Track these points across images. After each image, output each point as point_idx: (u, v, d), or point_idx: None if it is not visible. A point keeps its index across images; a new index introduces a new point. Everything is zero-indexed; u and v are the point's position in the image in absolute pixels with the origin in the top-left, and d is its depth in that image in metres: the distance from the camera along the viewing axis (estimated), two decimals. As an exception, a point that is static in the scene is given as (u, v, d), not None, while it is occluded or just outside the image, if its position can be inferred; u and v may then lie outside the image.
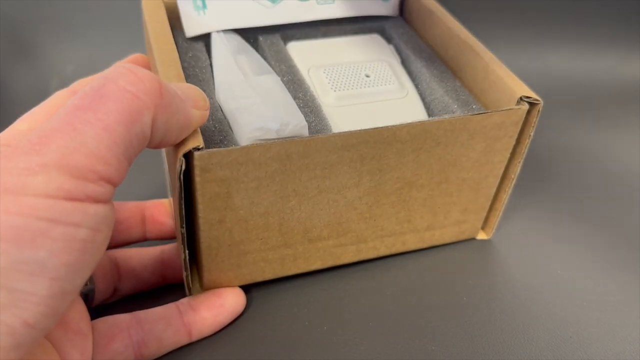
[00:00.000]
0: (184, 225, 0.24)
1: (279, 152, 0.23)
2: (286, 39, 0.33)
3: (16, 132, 0.22)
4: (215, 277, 0.27)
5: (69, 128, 0.18)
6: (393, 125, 0.24)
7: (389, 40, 0.34)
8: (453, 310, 0.27)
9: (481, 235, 0.32)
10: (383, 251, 0.30)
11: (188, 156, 0.22)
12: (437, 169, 0.27)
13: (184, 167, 0.21)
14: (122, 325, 0.25)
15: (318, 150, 0.23)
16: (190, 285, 0.27)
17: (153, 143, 0.21)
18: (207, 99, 0.23)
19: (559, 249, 0.31)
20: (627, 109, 0.47)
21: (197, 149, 0.21)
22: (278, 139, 0.23)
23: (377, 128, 0.24)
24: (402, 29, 0.34)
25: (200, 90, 0.23)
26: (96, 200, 0.19)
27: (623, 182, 0.38)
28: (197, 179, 0.22)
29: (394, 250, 0.30)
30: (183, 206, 0.23)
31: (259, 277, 0.28)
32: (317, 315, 0.27)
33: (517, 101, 0.26)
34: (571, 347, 0.25)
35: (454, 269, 0.30)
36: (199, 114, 0.22)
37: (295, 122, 0.25)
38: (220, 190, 0.23)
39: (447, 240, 0.31)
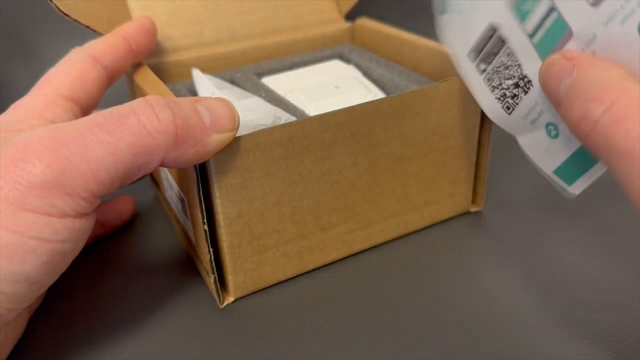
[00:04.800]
0: (205, 221, 0.25)
1: (280, 135, 0.25)
2: (259, 76, 0.36)
3: (41, 101, 0.25)
4: (241, 280, 0.28)
5: (80, 141, 0.20)
6: (375, 100, 0.27)
7: (347, 62, 0.38)
8: (453, 309, 0.27)
9: (474, 208, 0.34)
10: (390, 234, 0.32)
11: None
12: (420, 139, 0.30)
13: None
14: None
15: (314, 130, 0.26)
16: (219, 291, 0.27)
17: (164, 167, 0.23)
18: (236, 117, 0.24)
19: (556, 250, 0.31)
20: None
21: None
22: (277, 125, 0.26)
23: (362, 104, 0.27)
24: (357, 51, 0.39)
25: (232, 108, 0.24)
26: (84, 215, 0.21)
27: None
28: (213, 171, 0.24)
29: (398, 232, 0.32)
30: (202, 198, 0.25)
31: (282, 276, 0.29)
32: (317, 315, 0.27)
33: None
34: (571, 346, 0.25)
35: (453, 266, 0.30)
36: (220, 138, 0.23)
37: (286, 117, 0.28)
38: (235, 182, 0.25)
39: (445, 215, 0.33)
